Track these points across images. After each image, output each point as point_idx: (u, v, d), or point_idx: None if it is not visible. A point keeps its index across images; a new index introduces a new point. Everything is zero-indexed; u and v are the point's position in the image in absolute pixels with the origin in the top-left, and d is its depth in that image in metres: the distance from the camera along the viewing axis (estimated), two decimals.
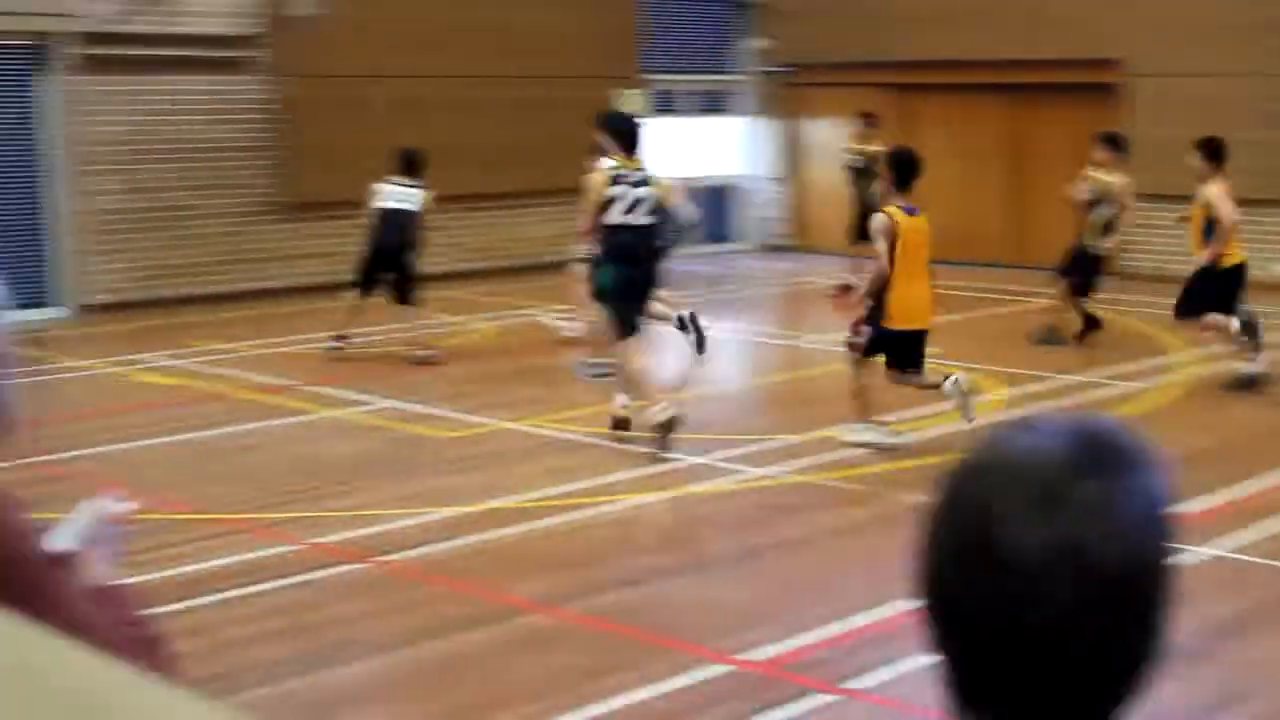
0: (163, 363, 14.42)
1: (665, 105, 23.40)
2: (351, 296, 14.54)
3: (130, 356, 14.75)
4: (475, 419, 11.96)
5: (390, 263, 14.41)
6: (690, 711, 6.41)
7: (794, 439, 11.27)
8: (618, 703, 6.44)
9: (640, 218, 11.07)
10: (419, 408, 12.37)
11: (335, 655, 7.02)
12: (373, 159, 15.40)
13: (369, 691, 6.70)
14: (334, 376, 13.64)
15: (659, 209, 11.29)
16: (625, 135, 11.23)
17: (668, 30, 23.41)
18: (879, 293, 10.85)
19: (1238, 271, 13.19)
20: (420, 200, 14.45)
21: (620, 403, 11.23)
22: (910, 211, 10.92)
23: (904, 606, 7.35)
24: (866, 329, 10.95)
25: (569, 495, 9.78)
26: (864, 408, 11.04)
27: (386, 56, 19.34)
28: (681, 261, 22.51)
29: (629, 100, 22.11)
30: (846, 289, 16.06)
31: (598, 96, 21.55)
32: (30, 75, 17.32)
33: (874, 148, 17.83)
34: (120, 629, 2.40)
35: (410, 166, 14.62)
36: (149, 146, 17.72)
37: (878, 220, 10.93)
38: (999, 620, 1.39)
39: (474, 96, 20.23)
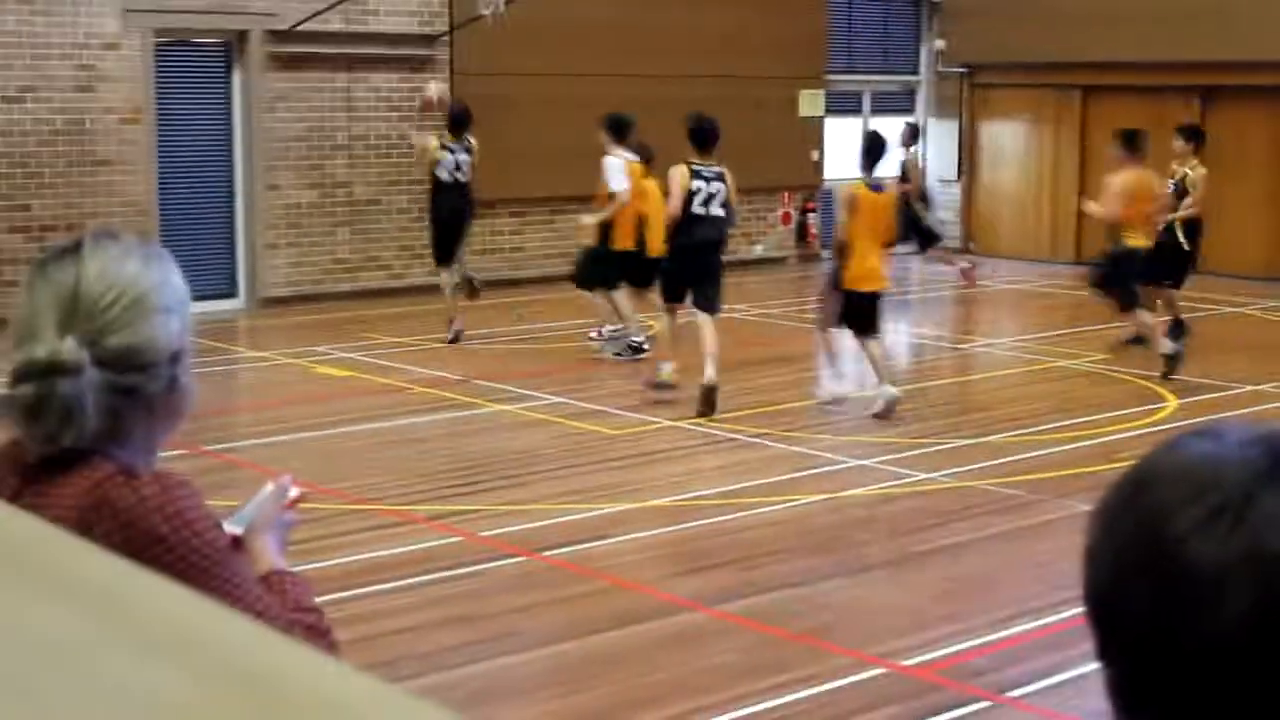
0: (338, 355, 14.71)
1: (846, 105, 23.34)
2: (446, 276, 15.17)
3: (307, 348, 15.07)
4: (641, 416, 12.05)
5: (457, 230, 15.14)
6: (846, 716, 6.42)
7: (957, 443, 11.21)
8: (773, 703, 6.47)
9: (714, 209, 12.53)
10: (587, 404, 12.49)
11: (497, 646, 7.14)
12: (556, 157, 15.51)
13: (529, 683, 6.81)
14: (504, 372, 13.82)
15: (726, 203, 12.65)
16: (700, 134, 12.77)
17: (849, 31, 23.36)
18: (840, 258, 12.31)
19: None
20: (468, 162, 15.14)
21: (709, 377, 12.06)
22: (875, 188, 12.33)
23: (1066, 613, 7.30)
24: (836, 295, 12.32)
25: (730, 494, 9.82)
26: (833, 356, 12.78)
27: (572, 55, 19.50)
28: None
29: (809, 101, 22.12)
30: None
31: (785, 96, 21.64)
32: (224, 71, 17.81)
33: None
34: (290, 614, 2.49)
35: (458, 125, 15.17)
36: (331, 142, 18.08)
37: (843, 192, 12.52)
38: (1172, 629, 1.36)
39: (659, 95, 20.32)
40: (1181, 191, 14.71)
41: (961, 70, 23.59)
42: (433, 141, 15.19)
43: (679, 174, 12.53)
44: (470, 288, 15.41)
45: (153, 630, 0.96)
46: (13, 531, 1.16)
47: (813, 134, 22.42)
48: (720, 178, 12.66)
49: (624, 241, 14.17)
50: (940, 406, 13.10)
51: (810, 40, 22.16)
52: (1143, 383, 13.38)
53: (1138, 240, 13.90)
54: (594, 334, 14.89)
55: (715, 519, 9.26)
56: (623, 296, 14.32)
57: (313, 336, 15.77)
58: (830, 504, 9.70)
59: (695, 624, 7.49)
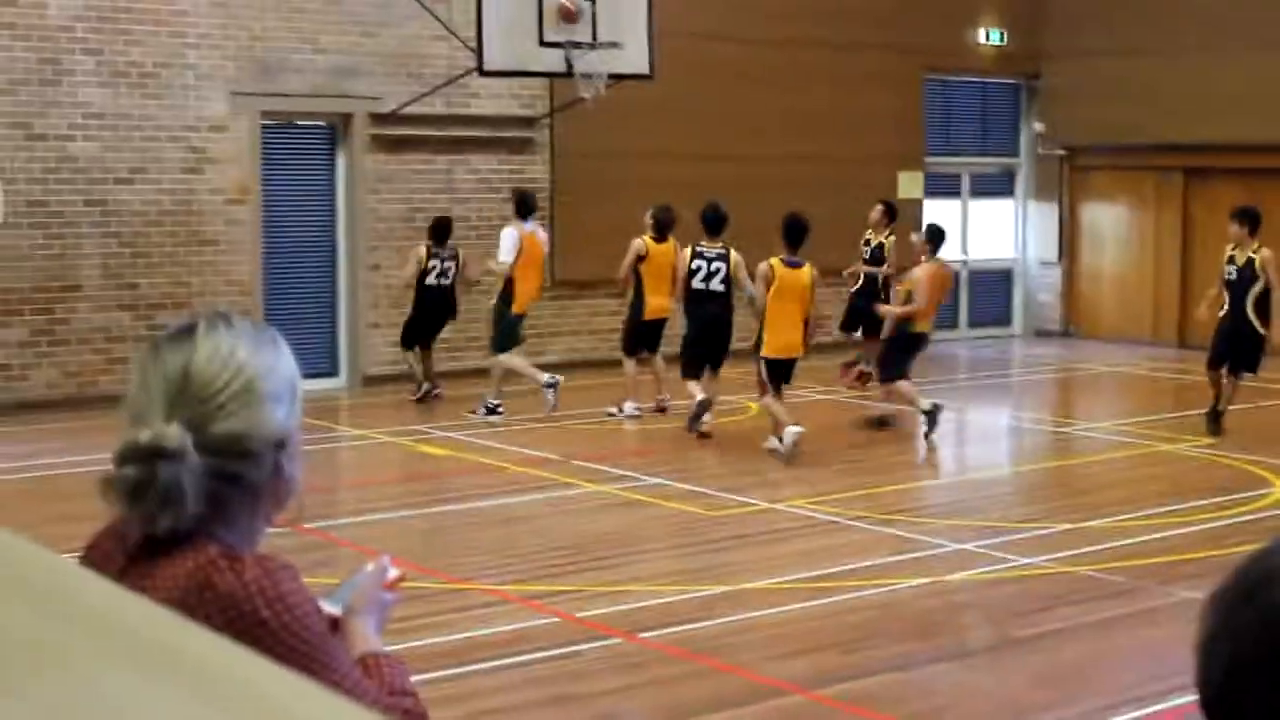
0: (438, 434, 14.79)
1: (945, 187, 23.33)
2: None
3: (407, 427, 15.18)
4: (739, 498, 12.02)
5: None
6: None
7: (1058, 528, 11.09)
8: None
9: (714, 285, 14.61)
10: (685, 485, 12.48)
11: None
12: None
13: None
14: (602, 452, 13.84)
15: (727, 279, 14.57)
16: (707, 221, 14.77)
17: (948, 112, 23.38)
18: (760, 326, 13.79)
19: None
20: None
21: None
22: (792, 264, 13.61)
23: (1171, 703, 7.17)
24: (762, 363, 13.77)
25: (829, 577, 9.75)
26: (775, 424, 13.68)
27: (671, 136, 19.64)
28: (956, 345, 22.34)
29: (908, 183, 22.11)
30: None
31: (884, 178, 21.66)
32: (328, 153, 18.09)
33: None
34: (387, 699, 2.49)
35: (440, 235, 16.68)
36: (429, 222, 18.24)
37: (760, 267, 13.73)
38: None
39: (757, 176, 20.43)
40: (1248, 275, 14.58)
41: (1061, 152, 23.50)
42: (421, 250, 16.61)
43: (684, 255, 14.76)
44: (424, 395, 16.70)
45: (253, 713, 0.96)
46: (124, 609, 1.17)
47: (911, 215, 22.38)
48: (721, 258, 14.58)
49: (520, 306, 15.79)
50: (1041, 491, 12.98)
51: (908, 122, 22.18)
52: (1248, 467, 13.18)
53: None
54: (612, 409, 15.80)
55: (814, 602, 9.19)
56: (520, 361, 15.97)
57: (413, 415, 15.90)
58: (930, 589, 9.61)
59: (795, 707, 7.43)
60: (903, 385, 14.69)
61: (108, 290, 16.39)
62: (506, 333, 15.91)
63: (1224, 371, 14.85)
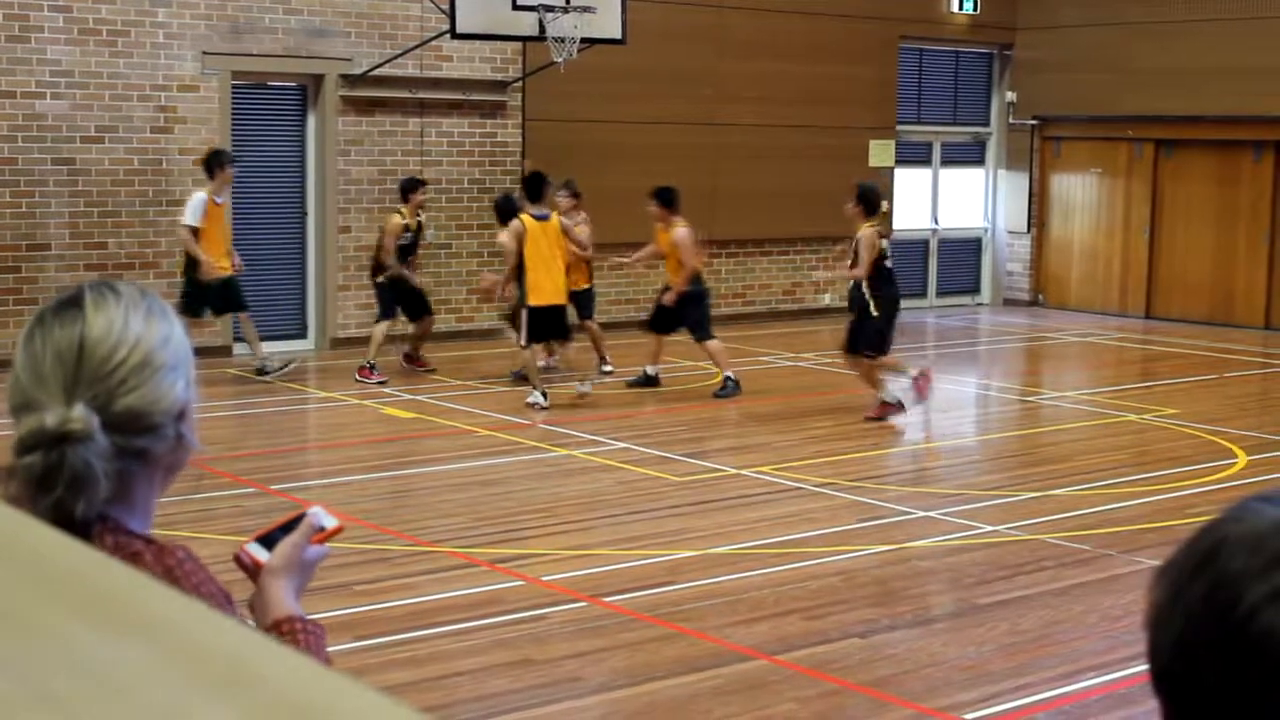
0: (406, 397, 14.79)
1: (917, 156, 23.35)
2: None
3: (375, 390, 15.16)
4: (705, 464, 12.05)
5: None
6: None
7: (1022, 496, 11.15)
8: None
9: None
10: (651, 450, 12.51)
11: (557, 691, 7.14)
12: (627, 203, 15.64)
13: None
14: (569, 417, 13.86)
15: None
16: (527, 186, 14.81)
17: (921, 82, 23.38)
18: (518, 279, 14.25)
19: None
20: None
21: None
22: (540, 217, 14.25)
23: (1132, 670, 7.24)
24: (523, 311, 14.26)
25: (794, 543, 9.80)
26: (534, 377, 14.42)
27: (643, 103, 19.64)
28: (924, 314, 22.41)
29: (880, 151, 22.14)
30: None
31: (855, 146, 21.69)
32: (299, 115, 18.02)
33: None
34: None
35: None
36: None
37: (511, 225, 14.30)
38: (1243, 703, 1.33)
39: (729, 143, 20.44)
40: None
41: (1032, 122, 23.54)
42: (396, 218, 16.01)
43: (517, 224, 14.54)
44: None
45: (224, 674, 0.98)
46: (92, 570, 1.18)
47: (882, 184, 22.40)
48: (545, 218, 14.52)
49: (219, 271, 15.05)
50: (1007, 459, 13.04)
51: (881, 91, 22.19)
52: (1212, 438, 13.27)
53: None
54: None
55: (779, 568, 9.23)
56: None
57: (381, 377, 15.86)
58: (895, 555, 9.66)
59: (757, 673, 7.47)
60: (714, 344, 15.16)
61: (76, 250, 16.31)
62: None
63: None
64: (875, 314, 13.89)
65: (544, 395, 14.18)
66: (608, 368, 16.07)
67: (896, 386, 14.06)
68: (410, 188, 15.96)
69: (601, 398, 14.86)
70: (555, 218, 14.49)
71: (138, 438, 2.24)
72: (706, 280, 15.96)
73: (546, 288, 14.19)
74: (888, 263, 14.06)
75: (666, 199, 15.23)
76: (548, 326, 14.38)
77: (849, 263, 14.13)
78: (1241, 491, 1.31)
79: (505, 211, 14.97)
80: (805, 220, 20.69)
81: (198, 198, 14.88)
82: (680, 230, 15.08)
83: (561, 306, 14.47)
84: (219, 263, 14.89)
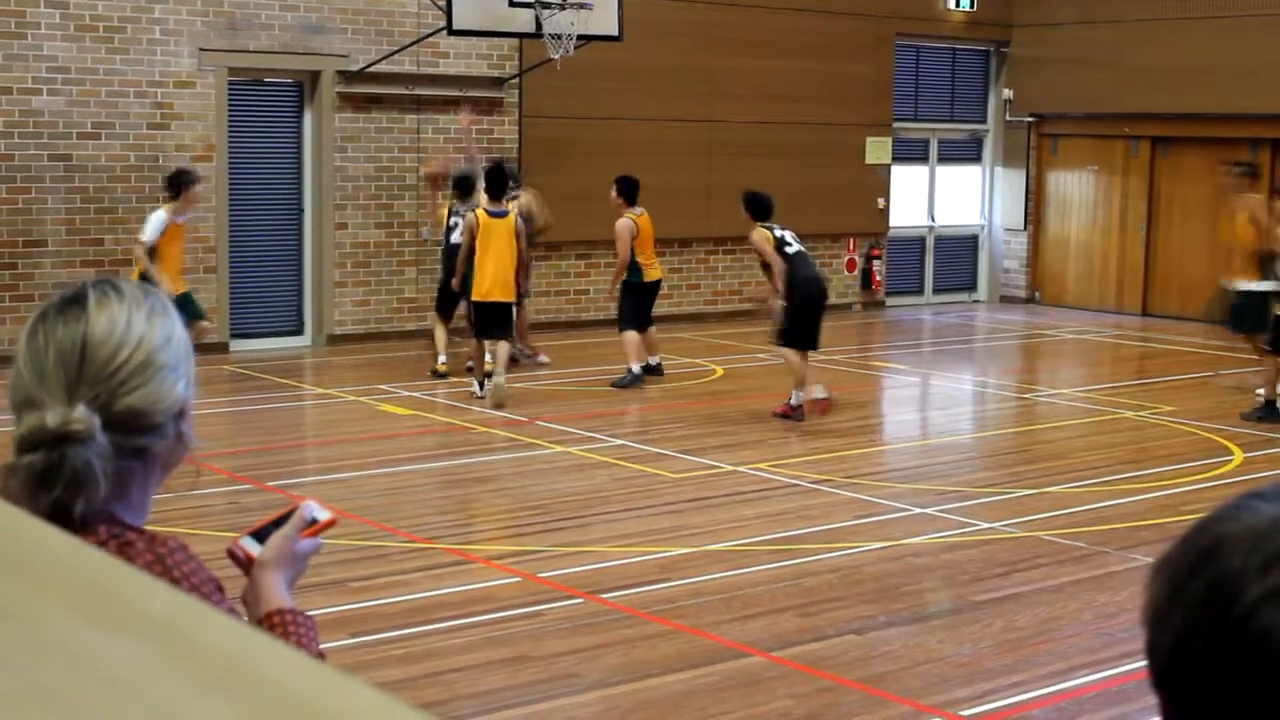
0: (403, 394, 14.79)
1: (913, 153, 23.36)
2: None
3: (372, 386, 15.16)
4: (702, 460, 12.06)
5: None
6: None
7: (1019, 493, 11.16)
8: None
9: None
10: (647, 448, 12.51)
11: (553, 688, 7.15)
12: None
13: None
14: (567, 413, 13.87)
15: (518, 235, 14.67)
16: (489, 179, 14.68)
17: (917, 79, 23.38)
18: (466, 273, 14.48)
19: None
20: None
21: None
22: (496, 214, 14.34)
23: (1128, 666, 7.25)
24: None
25: (789, 540, 9.81)
26: (478, 368, 14.58)
27: (640, 100, 19.65)
28: (921, 310, 22.42)
29: (876, 148, 22.15)
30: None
31: (852, 143, 21.70)
32: (295, 111, 18.01)
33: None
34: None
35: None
36: (399, 182, 18.24)
37: (466, 219, 14.52)
38: (1242, 701, 1.32)
39: (726, 140, 20.44)
40: None
41: (1029, 119, 23.55)
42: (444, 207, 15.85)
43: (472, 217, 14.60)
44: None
45: (217, 668, 0.98)
46: (83, 563, 1.18)
47: (879, 181, 22.43)
48: (501, 215, 14.49)
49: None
50: (1003, 456, 13.05)
51: (878, 88, 22.19)
52: (1208, 435, 13.28)
53: None
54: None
55: (775, 564, 9.24)
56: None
57: (378, 375, 15.87)
58: (891, 552, 9.67)
59: (753, 669, 7.47)
60: (630, 335, 15.32)
61: (72, 246, 16.31)
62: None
63: None
64: (784, 302, 13.57)
65: (480, 385, 14.40)
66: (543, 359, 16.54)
67: (817, 390, 13.85)
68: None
69: (601, 397, 14.85)
70: (512, 216, 14.48)
71: (138, 436, 2.25)
72: (662, 273, 16.20)
73: (488, 284, 14.27)
74: (788, 249, 13.71)
75: (622, 187, 15.47)
76: (488, 322, 14.43)
77: (769, 277, 13.85)
78: (1238, 488, 1.31)
79: (464, 188, 15.31)
80: (802, 217, 20.57)
81: (158, 216, 14.19)
82: (621, 221, 15.31)
83: (505, 304, 14.44)
84: (174, 282, 14.46)
